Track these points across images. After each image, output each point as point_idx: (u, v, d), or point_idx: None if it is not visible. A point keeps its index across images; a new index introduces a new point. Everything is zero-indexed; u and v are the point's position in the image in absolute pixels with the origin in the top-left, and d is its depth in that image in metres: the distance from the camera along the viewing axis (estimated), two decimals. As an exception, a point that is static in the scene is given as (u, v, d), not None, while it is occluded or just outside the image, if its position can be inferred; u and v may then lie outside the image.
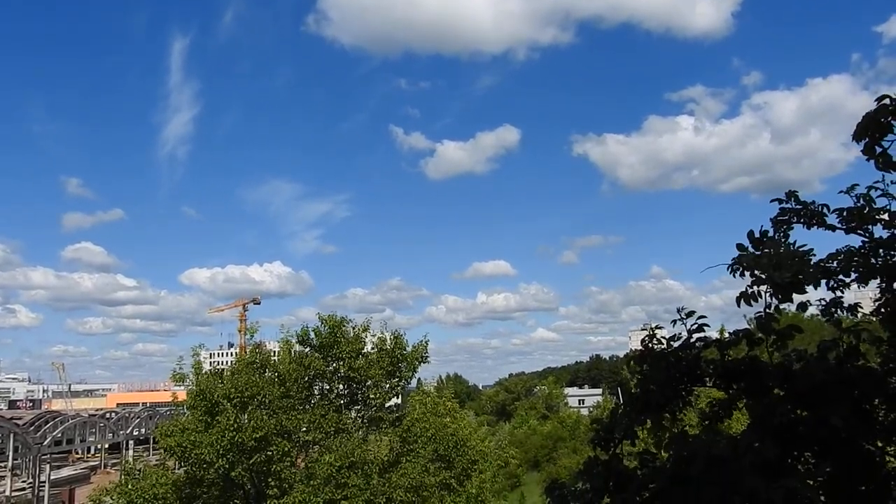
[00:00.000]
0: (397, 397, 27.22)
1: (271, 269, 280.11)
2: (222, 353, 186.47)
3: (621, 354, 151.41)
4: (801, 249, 4.31)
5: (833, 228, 4.55)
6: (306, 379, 24.64)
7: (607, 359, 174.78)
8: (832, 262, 4.36)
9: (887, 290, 4.55)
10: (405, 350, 25.47)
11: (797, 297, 4.33)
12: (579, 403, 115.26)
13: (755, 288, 4.25)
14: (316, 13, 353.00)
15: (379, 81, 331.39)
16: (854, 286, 4.64)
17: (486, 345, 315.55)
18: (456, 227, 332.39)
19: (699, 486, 4.11)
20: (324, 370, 24.42)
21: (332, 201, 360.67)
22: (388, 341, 25.57)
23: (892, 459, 4.30)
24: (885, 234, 4.47)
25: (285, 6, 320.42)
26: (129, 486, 21.56)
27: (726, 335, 4.74)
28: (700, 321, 4.63)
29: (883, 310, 4.63)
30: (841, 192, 4.52)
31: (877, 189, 4.46)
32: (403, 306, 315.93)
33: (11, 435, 62.65)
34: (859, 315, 4.81)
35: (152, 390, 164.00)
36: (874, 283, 4.55)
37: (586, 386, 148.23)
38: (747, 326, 4.74)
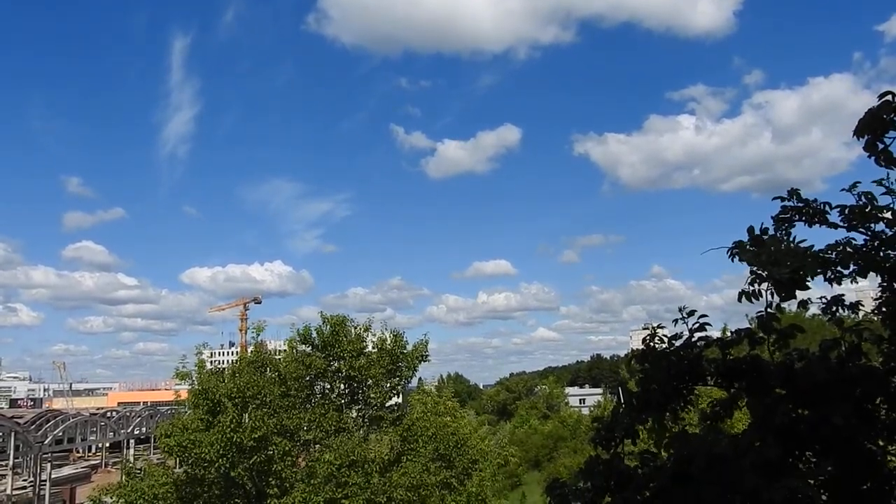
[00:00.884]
0: (398, 396, 27.10)
1: (272, 268, 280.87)
2: (223, 353, 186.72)
3: (622, 354, 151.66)
4: (800, 245, 4.29)
5: (835, 226, 4.53)
6: (307, 378, 24.58)
7: (608, 358, 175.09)
8: (831, 254, 4.34)
9: (889, 289, 4.53)
10: (405, 349, 25.47)
11: (799, 295, 4.31)
12: (580, 403, 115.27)
13: (756, 286, 4.24)
14: (316, 12, 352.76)
15: (379, 80, 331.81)
16: (856, 284, 4.62)
17: (486, 344, 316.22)
18: (456, 227, 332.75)
19: (700, 486, 4.10)
20: (325, 369, 24.40)
21: (332, 200, 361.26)
22: (389, 341, 25.57)
23: (894, 458, 4.29)
24: (887, 231, 4.44)
25: (286, 5, 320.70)
26: (129, 486, 21.48)
27: (728, 335, 4.73)
28: (701, 320, 4.63)
29: (884, 308, 4.61)
30: (843, 189, 4.51)
31: (880, 186, 4.44)
32: (404, 306, 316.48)
33: (12, 434, 62.74)
34: (861, 314, 4.79)
35: (153, 389, 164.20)
36: (876, 281, 4.54)
37: (587, 385, 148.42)
38: (749, 326, 4.73)
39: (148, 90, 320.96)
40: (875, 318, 4.78)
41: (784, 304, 4.37)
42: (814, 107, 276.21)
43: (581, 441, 61.73)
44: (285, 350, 25.74)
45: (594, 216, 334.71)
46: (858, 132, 4.21)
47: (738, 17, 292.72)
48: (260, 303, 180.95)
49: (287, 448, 22.00)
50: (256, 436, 21.10)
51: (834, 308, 4.71)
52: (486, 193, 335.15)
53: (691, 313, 4.65)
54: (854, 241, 4.36)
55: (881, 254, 4.38)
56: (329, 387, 25.29)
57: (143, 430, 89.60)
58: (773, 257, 4.11)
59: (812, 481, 4.13)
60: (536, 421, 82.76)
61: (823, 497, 4.08)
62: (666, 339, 4.75)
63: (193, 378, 23.76)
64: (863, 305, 4.83)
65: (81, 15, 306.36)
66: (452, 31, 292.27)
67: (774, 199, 4.53)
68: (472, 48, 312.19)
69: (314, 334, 25.04)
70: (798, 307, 4.58)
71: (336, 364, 24.84)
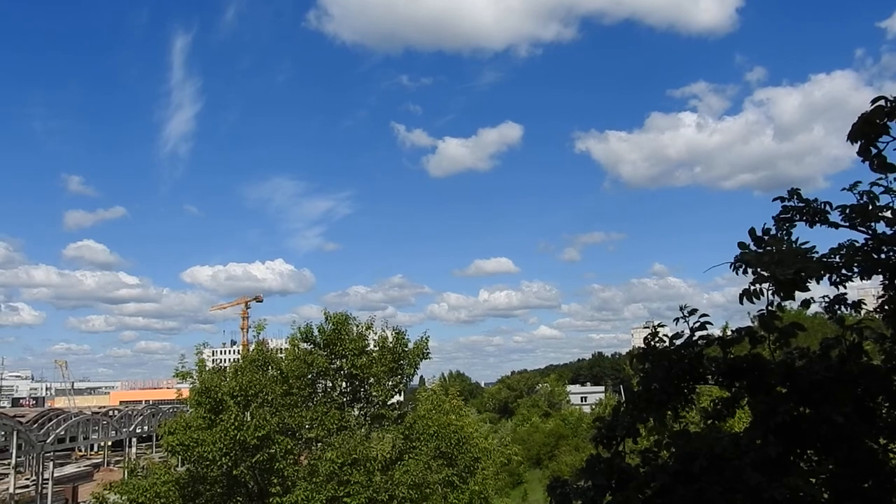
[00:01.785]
0: (399, 394, 27.18)
1: (273, 266, 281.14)
2: (225, 351, 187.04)
3: (623, 352, 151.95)
4: (803, 247, 4.30)
5: (836, 226, 4.55)
6: (309, 377, 24.65)
7: (610, 356, 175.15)
8: (834, 257, 4.35)
9: (890, 287, 4.54)
10: (407, 347, 25.51)
11: (799, 295, 4.34)
12: (581, 401, 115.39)
13: (757, 285, 4.25)
14: (317, 9, 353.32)
15: (380, 78, 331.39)
16: (857, 283, 4.64)
17: (488, 342, 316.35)
18: (458, 224, 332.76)
19: (702, 484, 4.12)
20: (327, 368, 24.46)
21: (333, 198, 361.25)
22: (390, 339, 25.60)
23: (895, 457, 4.30)
24: (888, 231, 4.46)
25: (286, 2, 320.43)
26: (132, 484, 21.58)
27: (729, 333, 4.74)
28: (702, 319, 4.64)
29: (886, 307, 4.62)
30: (844, 189, 4.52)
31: (879, 186, 4.46)
32: (405, 304, 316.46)
33: (15, 432, 62.91)
34: (862, 312, 4.81)
35: (155, 388, 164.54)
36: (878, 279, 4.55)
37: (588, 383, 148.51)
38: (750, 324, 4.75)
39: (149, 88, 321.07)
40: (877, 317, 4.80)
41: (785, 303, 4.39)
42: (816, 104, 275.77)
43: (583, 439, 61.77)
44: (287, 348, 25.87)
45: (595, 214, 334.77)
46: (852, 137, 4.23)
47: (741, 14, 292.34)
48: (261, 301, 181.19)
49: (289, 446, 22.05)
50: (259, 434, 21.14)
51: (836, 306, 4.72)
52: (487, 191, 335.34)
53: (692, 312, 4.66)
54: (856, 243, 4.37)
55: (882, 253, 4.39)
56: (331, 385, 25.36)
57: (145, 428, 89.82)
58: (775, 258, 4.12)
59: (813, 480, 4.15)
60: (538, 419, 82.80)
61: (825, 495, 4.10)
62: (667, 338, 4.76)
63: (194, 377, 23.80)
64: (865, 304, 4.84)
65: (82, 13, 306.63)
66: (453, 28, 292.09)
67: (775, 199, 4.55)
68: (473, 45, 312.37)
69: (316, 332, 25.10)
70: (800, 306, 4.60)
71: (338, 362, 24.88)
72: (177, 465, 25.52)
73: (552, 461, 60.79)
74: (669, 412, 4.68)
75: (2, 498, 60.10)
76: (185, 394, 24.77)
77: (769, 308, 4.35)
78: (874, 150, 4.25)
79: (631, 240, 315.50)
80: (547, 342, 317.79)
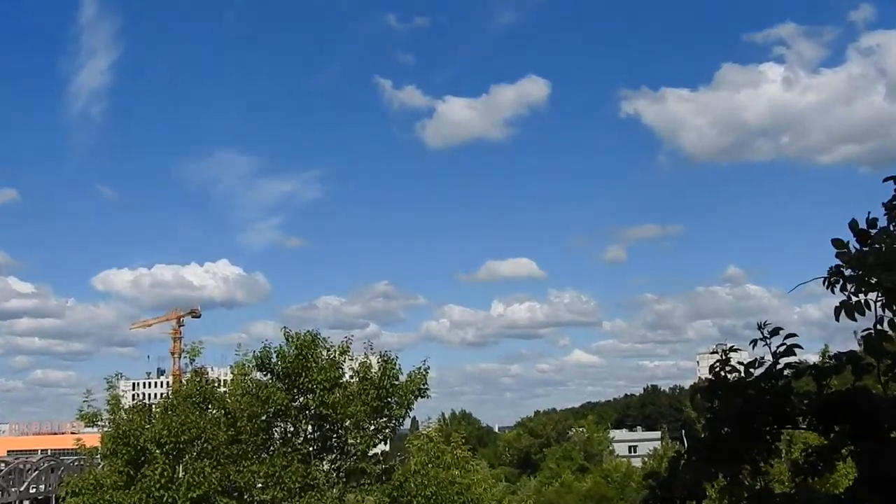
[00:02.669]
0: (385, 443, 27.47)
1: (215, 269, 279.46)
2: (149, 383, 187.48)
3: (686, 385, 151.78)
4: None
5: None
6: (264, 418, 24.80)
7: (667, 391, 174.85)
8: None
9: None
10: (396, 380, 25.60)
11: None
12: (630, 451, 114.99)
13: (861, 296, 4.27)
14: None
15: (361, 19, 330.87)
16: None
17: (503, 372, 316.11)
18: (463, 214, 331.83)
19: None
20: (287, 406, 24.68)
21: (297, 179, 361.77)
22: (374, 367, 25.67)
23: None
24: None
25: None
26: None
27: (827, 360, 4.78)
28: (790, 341, 4.65)
29: None
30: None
31: None
32: (393, 320, 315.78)
33: None
34: None
35: (55, 433, 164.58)
36: None
37: (639, 428, 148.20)
38: (855, 348, 4.78)
39: (49, 30, 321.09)
40: None
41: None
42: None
43: (631, 502, 61.78)
44: (234, 379, 25.95)
45: (648, 199, 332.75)
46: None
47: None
48: (199, 316, 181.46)
49: (236, 512, 22.22)
50: (194, 495, 21.29)
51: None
52: (502, 169, 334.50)
53: (776, 331, 4.66)
54: None
55: None
56: (293, 429, 25.48)
57: (42, 488, 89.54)
58: (883, 259, 4.14)
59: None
60: (571, 475, 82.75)
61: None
62: (742, 367, 4.78)
63: (104, 419, 23.88)
64: None
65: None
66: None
67: (886, 179, 4.56)
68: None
69: (274, 358, 25.25)
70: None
71: (302, 399, 25.04)
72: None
73: (591, 533, 60.73)
74: (746, 466, 4.70)
75: None
76: (91, 442, 24.77)
77: (878, 326, 4.37)
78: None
79: (696, 234, 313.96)
80: (583, 371, 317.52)
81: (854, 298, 4.24)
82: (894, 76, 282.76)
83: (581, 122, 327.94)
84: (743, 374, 4.77)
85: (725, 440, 4.66)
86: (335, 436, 25.62)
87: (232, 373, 26.54)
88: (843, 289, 4.29)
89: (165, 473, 21.43)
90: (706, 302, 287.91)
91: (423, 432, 28.04)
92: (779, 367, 4.69)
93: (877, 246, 4.26)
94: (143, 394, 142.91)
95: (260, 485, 23.53)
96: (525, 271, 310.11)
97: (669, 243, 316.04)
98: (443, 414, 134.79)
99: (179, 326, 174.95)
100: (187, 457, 22.33)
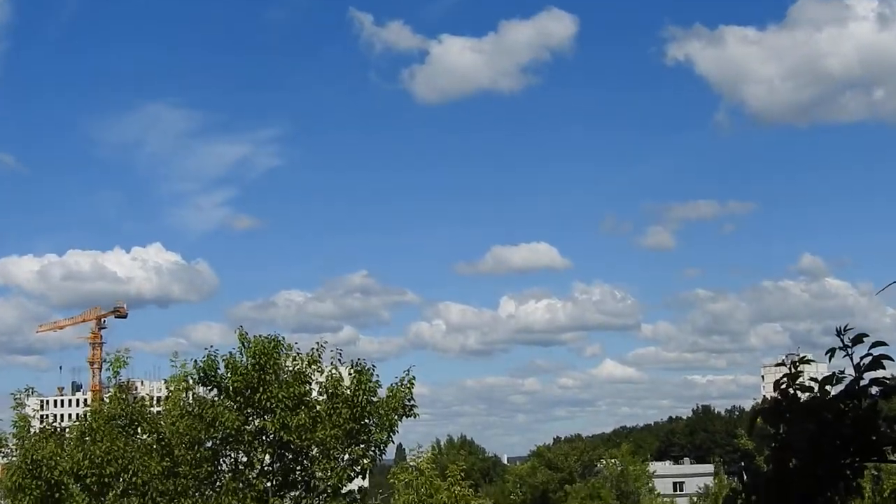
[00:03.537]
0: (363, 477, 27.29)
1: (144, 257, 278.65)
2: (62, 401, 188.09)
3: (747, 406, 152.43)
4: None
5: None
6: (209, 445, 24.88)
7: (723, 413, 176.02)
8: None
9: None
10: (375, 395, 25.72)
11: None
12: (675, 489, 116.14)
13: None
14: None
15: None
16: None
17: (514, 388, 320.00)
18: (464, 187, 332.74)
19: None
20: (239, 430, 24.74)
21: (249, 141, 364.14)
22: (347, 381, 25.74)
23: None
24: None
25: None
26: None
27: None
28: (877, 351, 4.63)
29: None
30: None
31: None
32: (373, 321, 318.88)
33: None
34: None
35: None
36: None
37: (687, 460, 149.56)
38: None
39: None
40: None
41: None
42: None
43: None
44: (170, 397, 26.01)
45: (702, 170, 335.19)
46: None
47: None
48: (124, 317, 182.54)
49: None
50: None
51: None
52: (515, 130, 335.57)
53: (860, 339, 4.64)
54: None
55: None
56: (246, 459, 25.61)
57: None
58: None
59: None
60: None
61: None
62: (817, 383, 4.77)
63: (10, 445, 23.85)
64: None
65: None
66: None
67: None
68: None
69: (222, 369, 25.31)
70: None
71: (259, 421, 25.15)
72: None
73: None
74: (821, 509, 4.63)
75: None
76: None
77: None
78: None
79: (763, 214, 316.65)
80: (616, 388, 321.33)
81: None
82: None
83: (616, 70, 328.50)
84: (817, 393, 4.78)
85: (794, 476, 4.64)
86: (299, 468, 25.72)
87: (167, 388, 26.59)
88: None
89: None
90: (775, 300, 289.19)
91: (412, 463, 28.06)
92: (863, 383, 4.68)
93: None
94: (54, 415, 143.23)
95: (204, 529, 23.56)
96: (543, 260, 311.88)
97: (729, 225, 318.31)
98: (437, 440, 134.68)
99: (100, 329, 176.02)
100: (112, 494, 22.33)
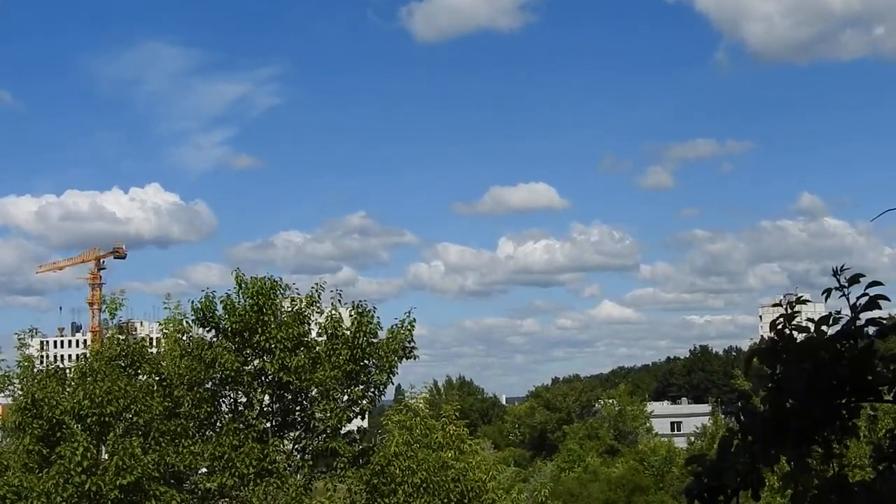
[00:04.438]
0: (362, 417, 27.75)
1: (143, 197, 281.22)
2: (62, 342, 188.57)
3: (745, 347, 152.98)
4: None
5: None
6: (209, 386, 25.14)
7: (721, 354, 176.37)
8: None
9: None
10: (375, 337, 25.90)
11: None
12: (672, 429, 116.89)
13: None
14: None
15: None
16: None
17: (513, 328, 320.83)
18: (462, 126, 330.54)
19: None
20: (238, 371, 24.95)
21: (248, 79, 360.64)
22: (347, 322, 25.90)
23: None
24: None
25: None
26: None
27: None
28: (874, 291, 4.61)
29: None
30: None
31: None
32: (372, 262, 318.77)
33: None
34: None
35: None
36: None
37: (684, 400, 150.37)
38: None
39: None
40: None
41: None
42: None
43: (673, 494, 62.87)
44: (168, 337, 26.37)
45: (700, 108, 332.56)
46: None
47: None
48: (123, 257, 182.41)
49: (177, 502, 22.40)
50: (124, 482, 21.44)
51: None
52: (513, 69, 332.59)
53: (856, 279, 4.64)
54: None
55: None
56: (246, 400, 25.90)
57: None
58: None
59: None
60: (597, 459, 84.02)
61: None
62: (813, 323, 4.74)
63: (14, 385, 24.12)
64: None
65: None
66: None
67: None
68: None
69: (220, 310, 25.51)
70: None
71: (258, 362, 25.43)
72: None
73: (621, 530, 61.80)
74: (816, 448, 4.71)
75: None
76: (-4, 413, 25.11)
77: None
78: None
79: (761, 153, 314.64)
80: (614, 329, 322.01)
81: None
82: None
83: (615, 7, 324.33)
84: (814, 333, 4.73)
85: (790, 416, 4.65)
86: (299, 408, 26.01)
87: (165, 329, 26.88)
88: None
89: (88, 454, 21.57)
90: (773, 240, 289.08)
91: (410, 403, 28.73)
92: (859, 323, 4.64)
93: None
94: (55, 355, 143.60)
95: (205, 469, 24.01)
96: (541, 200, 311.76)
97: (727, 165, 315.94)
98: (434, 381, 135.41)
99: (99, 270, 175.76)
100: (113, 434, 22.54)
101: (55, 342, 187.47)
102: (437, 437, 26.88)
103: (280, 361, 24.72)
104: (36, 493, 21.29)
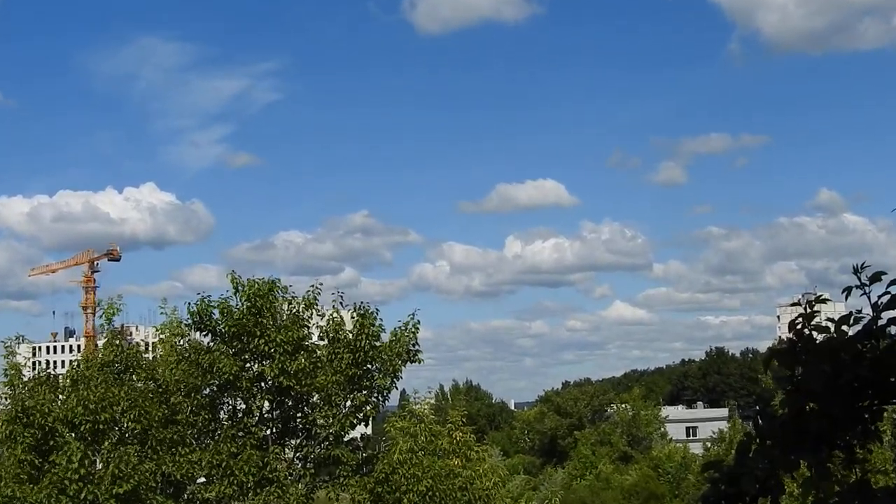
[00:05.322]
0: (365, 424, 27.38)
1: (138, 197, 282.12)
2: (55, 348, 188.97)
3: (762, 348, 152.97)
4: None
5: None
6: (206, 392, 25.15)
7: (737, 356, 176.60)
8: None
9: None
10: (378, 340, 25.81)
11: None
12: (688, 434, 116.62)
13: None
14: None
15: None
16: None
17: (521, 331, 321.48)
18: (467, 122, 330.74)
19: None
20: (237, 376, 24.87)
21: (247, 75, 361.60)
22: (349, 325, 25.77)
23: None
24: None
25: None
26: None
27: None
28: (895, 289, 4.57)
29: None
30: None
31: None
32: (375, 263, 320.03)
33: None
34: None
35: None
36: None
37: (700, 404, 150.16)
38: None
39: None
40: None
41: None
42: None
43: (689, 501, 62.77)
44: (164, 342, 26.21)
45: (713, 102, 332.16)
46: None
47: None
48: (118, 259, 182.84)
49: (174, 512, 22.64)
50: (121, 490, 21.46)
51: None
52: (519, 61, 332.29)
53: (878, 276, 4.60)
54: None
55: None
56: (245, 407, 25.84)
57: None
58: None
59: None
60: (610, 466, 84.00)
61: None
62: (833, 323, 4.69)
63: (4, 393, 24.10)
64: None
65: None
66: None
67: None
68: None
69: (217, 314, 25.47)
70: None
71: (257, 367, 25.34)
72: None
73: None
74: (838, 452, 4.67)
75: None
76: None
77: None
78: None
79: (777, 148, 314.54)
80: (627, 331, 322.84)
81: None
82: None
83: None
84: (834, 333, 4.69)
85: (810, 419, 4.62)
86: (300, 415, 25.96)
87: (159, 335, 26.73)
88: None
89: (83, 463, 21.62)
90: (790, 237, 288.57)
91: (415, 409, 28.38)
92: (881, 323, 4.59)
93: None
94: (48, 361, 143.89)
95: (203, 478, 23.88)
96: (550, 198, 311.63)
97: (742, 159, 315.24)
98: (440, 386, 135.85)
99: (93, 273, 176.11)
100: (108, 442, 22.57)
101: (48, 347, 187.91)
102: (442, 444, 26.80)
103: (280, 366, 24.63)
104: (30, 503, 21.29)
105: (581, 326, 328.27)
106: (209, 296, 25.69)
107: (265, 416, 25.83)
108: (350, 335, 25.79)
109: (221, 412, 25.75)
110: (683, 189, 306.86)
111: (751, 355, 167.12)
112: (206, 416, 25.08)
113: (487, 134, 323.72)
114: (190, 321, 25.65)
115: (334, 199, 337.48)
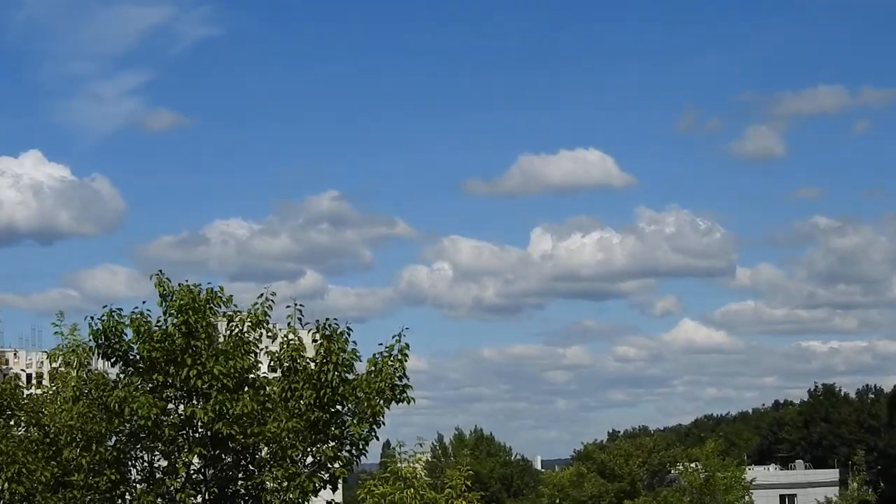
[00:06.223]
0: (333, 488, 24.47)
1: (17, 170, 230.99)
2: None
3: (888, 386, 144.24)
4: None
5: None
6: (112, 443, 22.89)
7: (853, 396, 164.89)
8: None
9: None
10: (351, 372, 23.32)
11: None
12: (783, 503, 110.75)
13: None
14: None
15: None
16: None
17: (553, 360, 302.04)
18: (477, 72, 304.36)
19: None
20: (156, 421, 22.45)
21: (170, 2, 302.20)
22: (311, 350, 23.35)
23: None
24: None
25: None
26: None
27: None
28: None
29: None
30: None
31: None
32: (348, 265, 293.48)
33: None
34: None
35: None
36: None
37: (800, 462, 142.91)
38: None
39: None
40: None
41: None
42: None
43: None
44: (56, 374, 24.62)
45: (821, 44, 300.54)
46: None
47: None
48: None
49: None
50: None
51: None
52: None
53: None
54: None
55: None
56: (166, 463, 23.52)
57: None
58: None
59: None
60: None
61: None
62: None
63: None
64: None
65: None
66: None
67: None
68: None
69: (131, 334, 23.08)
70: None
71: (184, 408, 23.09)
72: None
73: None
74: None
75: None
76: None
77: None
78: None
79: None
80: (699, 361, 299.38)
81: None
82: None
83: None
84: None
85: None
86: (242, 476, 23.28)
87: (51, 362, 24.38)
88: None
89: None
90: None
91: (401, 465, 24.61)
92: None
93: None
94: None
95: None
96: (592, 175, 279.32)
97: (862, 123, 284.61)
98: (440, 437, 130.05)
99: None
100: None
101: None
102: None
103: (216, 407, 21.98)
104: None
105: (635, 355, 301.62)
106: (119, 309, 22.88)
107: (194, 476, 23.10)
108: (312, 365, 23.14)
109: (133, 471, 23.26)
110: (780, 164, 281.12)
111: (871, 395, 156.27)
112: (112, 477, 22.26)
113: (507, 93, 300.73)
114: (92, 344, 22.99)
115: (291, 175, 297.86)
